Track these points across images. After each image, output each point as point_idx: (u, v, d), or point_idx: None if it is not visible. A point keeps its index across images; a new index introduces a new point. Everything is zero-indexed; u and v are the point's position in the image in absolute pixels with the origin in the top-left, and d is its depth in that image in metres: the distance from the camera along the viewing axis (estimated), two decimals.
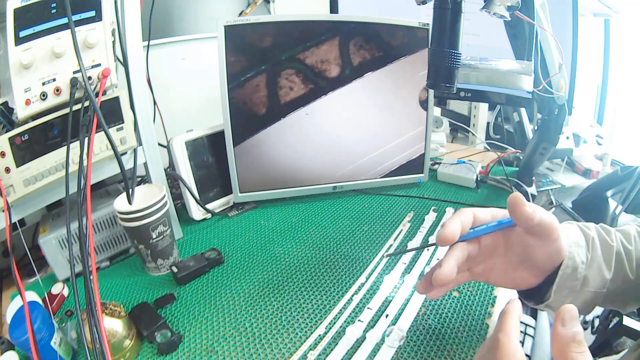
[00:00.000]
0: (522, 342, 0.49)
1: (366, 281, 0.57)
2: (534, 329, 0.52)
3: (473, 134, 1.33)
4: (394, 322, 0.49)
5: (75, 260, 0.60)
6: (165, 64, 1.04)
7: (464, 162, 0.88)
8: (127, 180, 0.56)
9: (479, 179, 0.84)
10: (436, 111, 1.40)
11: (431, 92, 0.79)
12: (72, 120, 0.50)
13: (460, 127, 1.35)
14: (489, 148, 1.13)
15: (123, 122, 0.57)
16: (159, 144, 0.65)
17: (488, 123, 1.33)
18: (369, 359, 0.44)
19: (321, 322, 0.50)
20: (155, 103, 0.85)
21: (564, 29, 0.73)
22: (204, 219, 0.77)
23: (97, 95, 0.52)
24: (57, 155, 0.53)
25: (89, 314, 0.40)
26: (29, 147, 0.51)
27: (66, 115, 0.51)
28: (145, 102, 0.61)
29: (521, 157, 0.92)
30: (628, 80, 1.17)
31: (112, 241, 0.66)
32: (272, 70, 0.71)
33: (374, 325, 0.48)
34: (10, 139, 0.49)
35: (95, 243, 0.64)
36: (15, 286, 0.45)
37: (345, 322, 0.49)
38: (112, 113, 0.56)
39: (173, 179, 0.78)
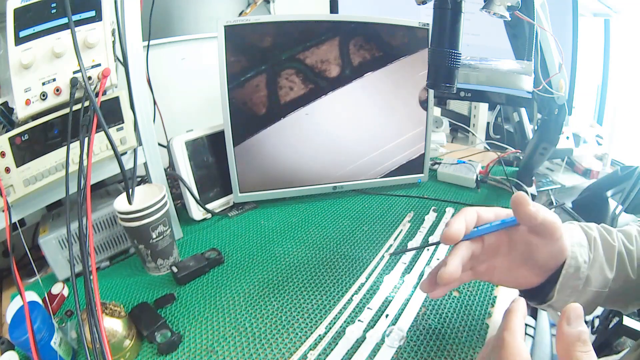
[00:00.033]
0: None
1: (366, 281, 0.57)
2: (534, 329, 0.52)
3: (473, 134, 1.32)
4: (394, 322, 0.49)
5: (75, 260, 0.60)
6: (165, 64, 1.04)
7: (464, 162, 0.88)
8: (127, 180, 0.56)
9: (479, 179, 0.84)
10: (436, 111, 1.40)
11: (431, 92, 0.79)
12: (72, 120, 0.50)
13: (460, 127, 1.34)
14: (489, 148, 1.12)
15: (123, 122, 0.57)
16: (159, 144, 0.65)
17: (488, 123, 1.33)
18: (369, 359, 0.44)
19: (321, 322, 0.50)
20: (155, 103, 0.85)
21: (564, 29, 0.73)
22: (204, 219, 0.77)
23: (97, 95, 0.52)
24: (57, 155, 0.53)
25: (89, 314, 0.40)
26: (29, 147, 0.51)
27: (66, 115, 0.51)
28: (145, 102, 0.61)
29: (521, 157, 0.92)
30: (628, 80, 1.17)
31: (112, 241, 0.66)
32: (272, 70, 0.71)
33: (374, 325, 0.48)
34: (10, 139, 0.49)
35: (95, 243, 0.64)
36: (15, 286, 0.45)
37: (345, 322, 0.49)
38: (112, 113, 0.56)
39: (173, 179, 0.78)
